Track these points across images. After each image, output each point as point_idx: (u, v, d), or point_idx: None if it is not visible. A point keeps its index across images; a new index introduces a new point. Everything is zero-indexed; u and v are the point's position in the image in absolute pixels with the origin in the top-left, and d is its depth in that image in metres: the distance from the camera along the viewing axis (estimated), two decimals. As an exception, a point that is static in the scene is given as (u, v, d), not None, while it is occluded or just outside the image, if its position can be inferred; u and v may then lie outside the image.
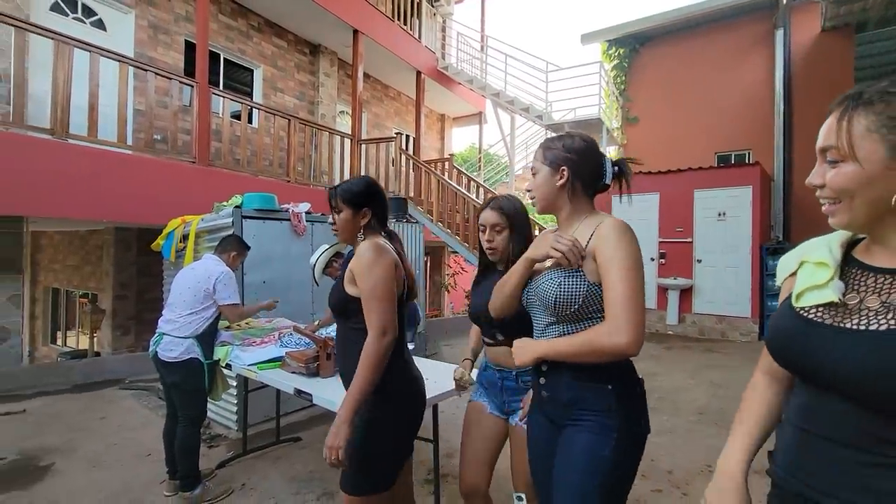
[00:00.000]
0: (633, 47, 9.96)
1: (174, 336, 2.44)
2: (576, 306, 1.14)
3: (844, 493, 0.67)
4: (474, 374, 1.83)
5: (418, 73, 8.94)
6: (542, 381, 1.24)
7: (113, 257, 6.71)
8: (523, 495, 1.48)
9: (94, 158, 4.20)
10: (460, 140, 23.60)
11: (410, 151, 8.92)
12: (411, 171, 7.53)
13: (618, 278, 1.07)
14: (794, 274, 0.84)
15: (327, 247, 2.64)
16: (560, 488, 1.14)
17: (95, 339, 7.31)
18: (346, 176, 7.21)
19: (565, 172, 1.23)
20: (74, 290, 7.87)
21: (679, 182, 7.46)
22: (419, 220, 6.48)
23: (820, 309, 0.74)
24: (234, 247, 2.69)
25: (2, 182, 3.60)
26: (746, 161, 8.45)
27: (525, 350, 1.20)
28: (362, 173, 7.31)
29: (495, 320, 1.45)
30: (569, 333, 1.17)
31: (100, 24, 5.45)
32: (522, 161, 10.95)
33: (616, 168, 1.26)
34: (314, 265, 2.59)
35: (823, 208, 0.75)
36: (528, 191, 1.30)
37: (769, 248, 6.96)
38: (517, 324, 1.40)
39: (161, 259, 4.25)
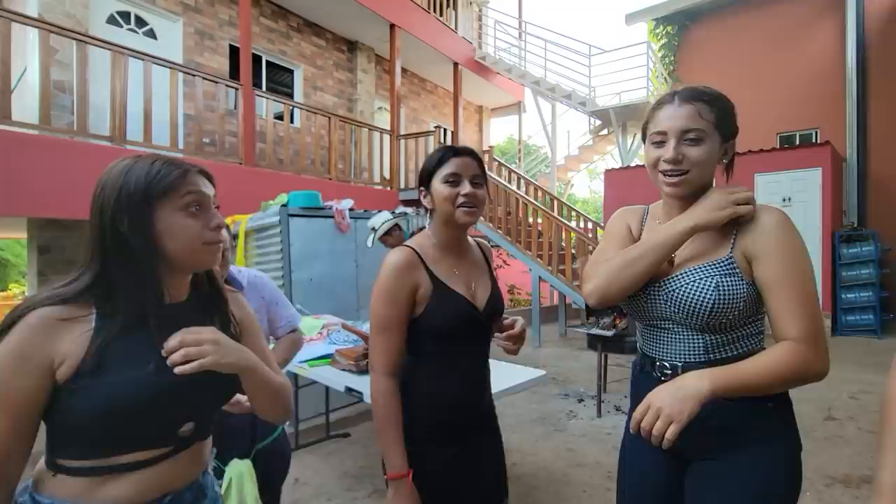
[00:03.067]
0: (683, 24, 9.39)
1: None
2: (735, 312, 0.91)
3: None
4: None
5: (455, 65, 8.82)
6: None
7: (169, 257, 7.06)
8: None
9: (149, 163, 4.38)
10: (498, 131, 23.28)
11: (449, 144, 8.82)
12: (451, 164, 7.44)
13: (795, 278, 0.87)
14: None
15: (390, 216, 2.59)
16: None
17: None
18: (386, 172, 7.22)
19: (732, 147, 0.98)
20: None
21: (738, 166, 6.93)
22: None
23: None
24: None
25: (70, 188, 3.81)
26: (814, 141, 7.79)
27: (687, 390, 0.81)
28: (401, 169, 7.30)
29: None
30: (717, 347, 0.94)
31: (151, 34, 5.68)
32: (564, 150, 10.62)
33: None
34: (375, 228, 2.53)
35: None
36: (676, 162, 0.93)
37: (842, 236, 6.39)
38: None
39: (213, 258, 4.39)
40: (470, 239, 1.27)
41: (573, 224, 7.74)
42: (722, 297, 0.89)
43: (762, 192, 6.76)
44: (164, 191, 0.78)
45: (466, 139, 10.68)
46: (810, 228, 6.39)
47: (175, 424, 0.80)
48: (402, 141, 7.40)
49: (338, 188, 6.02)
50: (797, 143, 8.04)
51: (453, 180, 1.12)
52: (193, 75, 4.91)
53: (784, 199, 6.58)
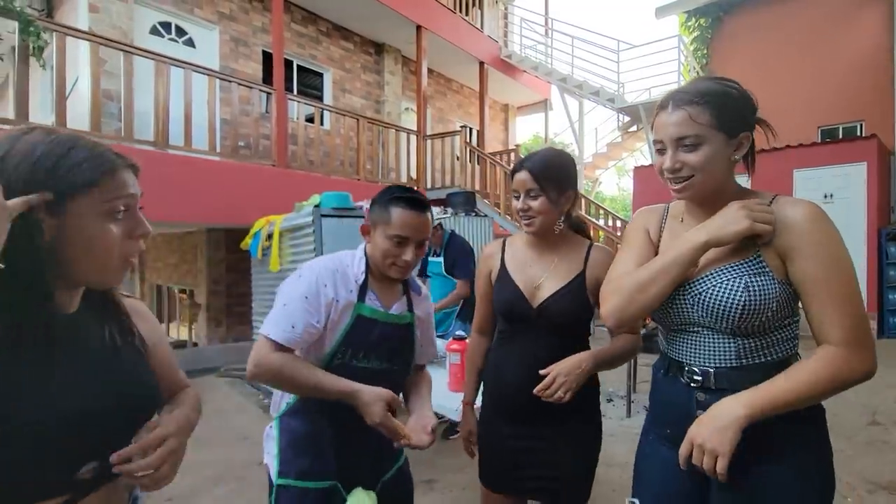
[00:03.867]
0: (717, 16, 9.12)
1: None
2: (768, 314, 0.86)
3: None
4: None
5: (481, 64, 8.83)
6: (698, 399, 0.91)
7: (206, 256, 7.34)
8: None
9: (189, 166, 4.59)
10: (524, 129, 23.09)
11: (475, 144, 8.85)
12: (476, 164, 7.47)
13: (833, 276, 0.82)
14: None
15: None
16: None
17: (193, 331, 8.08)
18: (413, 172, 7.31)
19: (747, 139, 0.91)
20: (174, 286, 8.74)
21: (775, 162, 6.70)
22: (487, 213, 6.41)
23: None
24: None
25: (116, 191, 4.03)
26: (858, 134, 7.43)
27: (724, 420, 0.80)
28: (428, 168, 7.37)
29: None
30: (750, 352, 0.89)
31: (190, 43, 5.93)
32: (592, 148, 10.48)
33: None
34: None
35: None
36: (675, 171, 0.90)
37: (890, 234, 6.08)
38: None
39: (247, 256, 4.57)
40: (586, 243, 1.32)
41: (601, 222, 7.65)
42: (753, 299, 0.84)
43: (801, 189, 6.51)
44: (79, 186, 0.61)
45: (492, 138, 10.68)
46: (854, 226, 6.11)
47: (74, 464, 0.62)
48: (429, 141, 7.47)
49: (366, 188, 6.14)
50: (840, 136, 7.69)
51: (515, 196, 1.27)
52: (229, 81, 5.11)
53: (825, 196, 6.31)
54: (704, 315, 0.90)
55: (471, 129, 10.26)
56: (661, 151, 0.93)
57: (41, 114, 5.14)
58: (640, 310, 0.94)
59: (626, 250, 1.08)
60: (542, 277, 1.27)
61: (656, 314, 1.00)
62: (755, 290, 0.85)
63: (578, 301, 1.25)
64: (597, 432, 1.33)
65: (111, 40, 4.29)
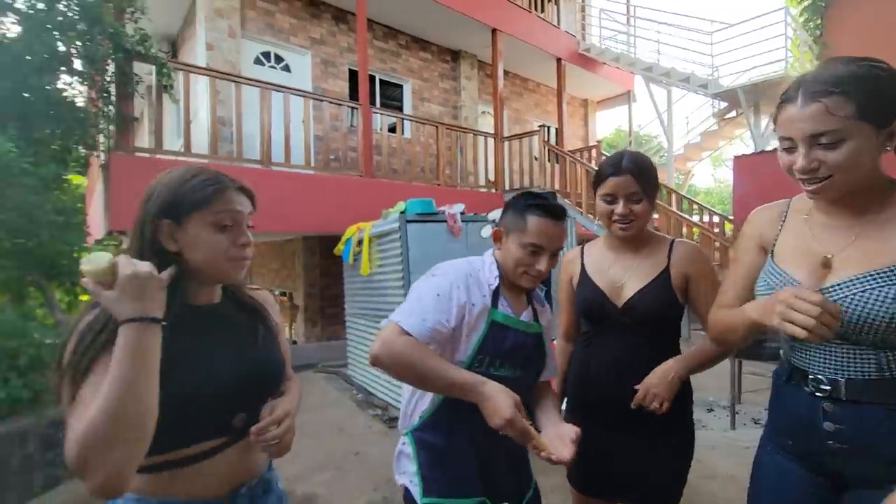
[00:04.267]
0: (832, -20, 8.01)
1: None
2: None
3: None
4: None
5: (558, 61, 8.64)
6: (826, 410, 0.84)
7: (302, 262, 8.01)
8: None
9: (288, 181, 5.07)
10: (604, 124, 22.10)
11: (553, 142, 8.67)
12: (556, 163, 7.31)
13: None
14: None
15: None
16: None
17: (293, 330, 8.85)
18: (491, 175, 7.35)
19: None
20: (276, 289, 9.65)
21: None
22: (569, 213, 6.25)
23: None
24: None
25: (231, 205, 4.57)
26: None
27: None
28: (506, 170, 7.37)
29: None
30: (893, 364, 0.79)
31: (286, 68, 6.54)
32: (682, 139, 9.75)
33: None
34: (495, 220, 2.63)
35: None
36: (811, 171, 0.79)
37: None
38: None
39: (339, 261, 4.92)
40: (667, 239, 1.31)
41: (695, 219, 7.08)
42: None
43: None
44: (196, 204, 0.80)
45: (571, 135, 10.37)
46: None
47: (230, 415, 0.84)
48: (506, 143, 7.47)
49: (446, 193, 6.31)
50: None
51: (609, 200, 1.23)
52: (321, 100, 5.55)
53: None
54: (843, 327, 0.79)
55: (549, 128, 10.06)
56: (789, 150, 0.82)
57: (171, 141, 5.98)
58: (733, 345, 1.03)
59: (733, 268, 1.03)
60: (624, 277, 1.26)
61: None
62: None
63: (665, 298, 1.23)
64: (689, 437, 1.29)
65: (224, 73, 4.89)
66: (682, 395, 1.24)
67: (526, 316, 1.19)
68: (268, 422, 0.83)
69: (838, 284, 0.81)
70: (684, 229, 6.17)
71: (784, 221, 0.96)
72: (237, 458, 0.85)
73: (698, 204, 7.96)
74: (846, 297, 0.80)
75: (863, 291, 0.77)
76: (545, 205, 1.09)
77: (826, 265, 0.84)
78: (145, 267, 0.72)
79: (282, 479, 1.03)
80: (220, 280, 0.87)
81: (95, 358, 0.71)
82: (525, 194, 1.14)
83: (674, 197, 7.81)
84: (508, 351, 1.11)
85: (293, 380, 1.03)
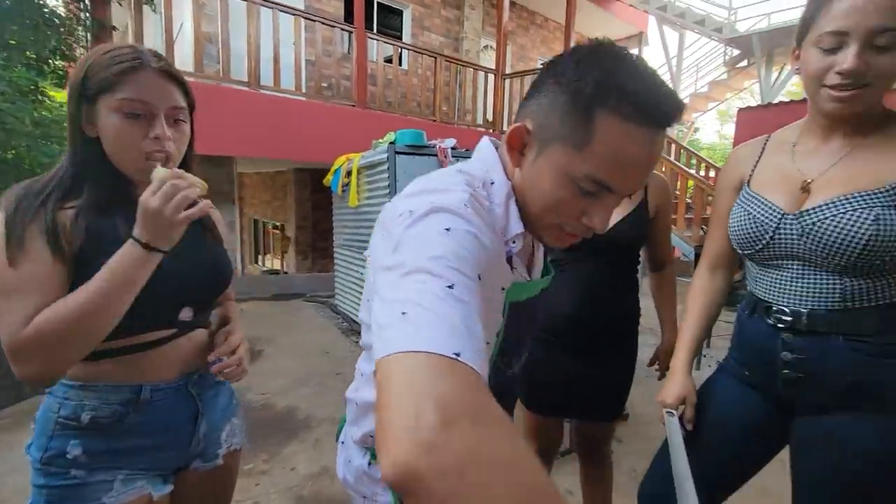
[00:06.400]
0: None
1: None
2: (894, 253, 0.75)
3: None
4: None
5: (569, -6, 8.10)
6: (785, 340, 0.85)
7: (294, 194, 7.94)
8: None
9: (278, 105, 4.89)
10: (613, 70, 21.11)
11: (556, 84, 8.34)
12: (557, 105, 7.06)
13: None
14: None
15: None
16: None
17: (284, 262, 8.95)
18: (489, 115, 7.13)
19: None
20: (268, 221, 9.63)
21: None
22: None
23: None
24: None
25: (215, 128, 4.45)
26: None
27: None
28: (506, 111, 7.14)
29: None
30: (858, 294, 0.79)
31: (277, -17, 6.10)
32: (690, 87, 9.41)
33: None
34: None
35: None
36: (856, 75, 0.74)
37: None
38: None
39: (330, 195, 4.88)
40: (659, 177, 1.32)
41: (694, 172, 6.99)
42: (882, 233, 0.73)
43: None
44: (102, 85, 0.71)
45: (576, 78, 9.96)
46: None
47: (177, 308, 0.84)
48: (508, 81, 7.18)
49: (441, 130, 6.14)
50: None
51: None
52: (313, 20, 5.23)
53: None
54: (815, 248, 0.80)
55: (553, 68, 9.63)
56: (832, 50, 0.74)
57: (155, 58, 5.67)
58: None
59: (714, 217, 1.02)
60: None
61: (746, 244, 0.91)
62: (886, 224, 0.73)
63: (643, 228, 1.27)
64: (633, 353, 1.39)
65: (209, -17, 4.55)
66: (628, 315, 1.33)
67: (537, 269, 0.74)
68: (222, 350, 0.88)
69: (815, 207, 0.81)
70: (679, 181, 6.12)
71: (763, 152, 0.96)
72: (185, 349, 0.86)
73: (698, 157, 7.83)
74: (822, 220, 0.79)
75: (841, 213, 0.77)
76: (647, 99, 0.53)
77: (805, 189, 0.83)
78: (182, 214, 0.70)
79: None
80: (134, 176, 0.77)
81: (28, 224, 0.68)
82: (600, 51, 0.59)
83: (673, 147, 7.67)
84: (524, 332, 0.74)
85: (233, 301, 1.06)
